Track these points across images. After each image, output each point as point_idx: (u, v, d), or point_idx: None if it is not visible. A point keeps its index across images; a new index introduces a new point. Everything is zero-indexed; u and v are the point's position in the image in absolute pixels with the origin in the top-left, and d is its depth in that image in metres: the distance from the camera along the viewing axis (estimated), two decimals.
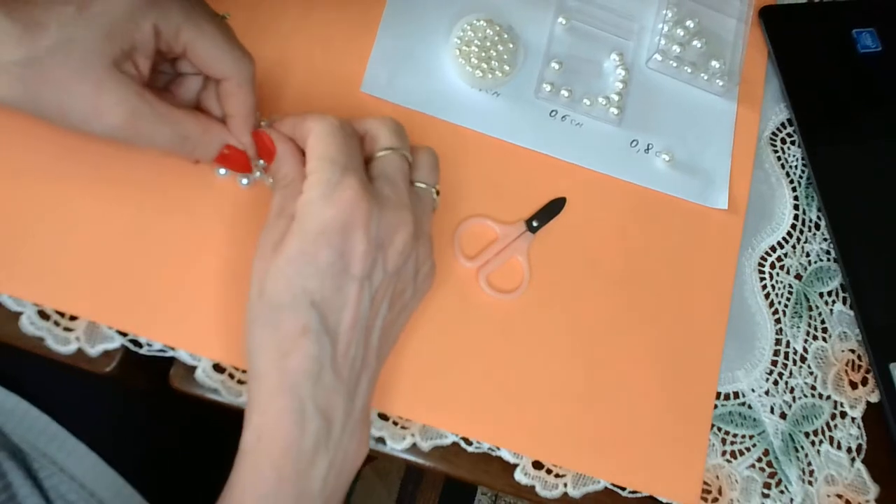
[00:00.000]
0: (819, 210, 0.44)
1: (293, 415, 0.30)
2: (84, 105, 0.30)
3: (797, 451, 0.40)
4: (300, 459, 0.30)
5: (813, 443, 0.40)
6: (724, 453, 0.40)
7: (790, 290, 0.43)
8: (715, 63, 0.43)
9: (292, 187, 0.33)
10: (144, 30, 0.31)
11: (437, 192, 0.36)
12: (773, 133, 0.45)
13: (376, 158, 0.34)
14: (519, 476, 0.38)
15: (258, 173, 0.37)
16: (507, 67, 0.41)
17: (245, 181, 0.37)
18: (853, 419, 0.41)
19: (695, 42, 0.44)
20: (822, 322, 0.42)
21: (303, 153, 0.34)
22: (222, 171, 0.37)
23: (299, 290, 0.30)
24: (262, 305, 0.31)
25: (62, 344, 0.35)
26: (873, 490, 0.40)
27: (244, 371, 0.36)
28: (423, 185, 0.35)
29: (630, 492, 0.38)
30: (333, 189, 0.31)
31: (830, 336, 0.42)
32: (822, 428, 0.41)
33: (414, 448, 0.37)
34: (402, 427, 0.37)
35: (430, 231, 0.35)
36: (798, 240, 0.44)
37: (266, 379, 0.31)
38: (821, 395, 0.41)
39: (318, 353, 0.30)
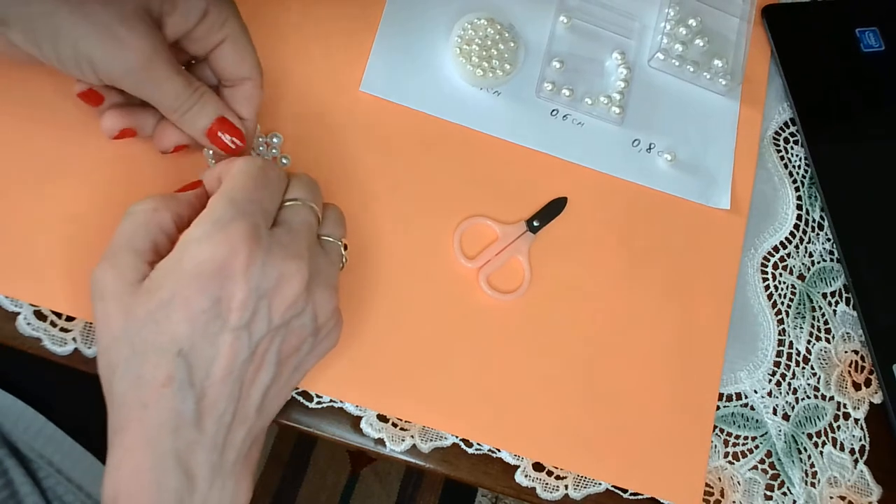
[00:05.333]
0: (822, 210, 0.44)
1: (149, 472, 0.28)
2: (103, 35, 0.29)
3: (800, 452, 0.40)
4: None
5: (816, 444, 0.40)
6: (726, 455, 0.39)
7: (793, 290, 0.42)
8: (717, 62, 0.43)
9: (163, 222, 0.31)
10: (197, 3, 0.31)
11: (346, 247, 0.34)
12: (776, 132, 0.45)
13: (283, 207, 0.32)
14: (519, 478, 0.37)
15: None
16: (507, 66, 0.41)
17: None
18: (856, 420, 0.41)
19: (697, 41, 0.43)
20: (826, 323, 0.42)
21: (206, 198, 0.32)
22: (210, 151, 0.36)
23: (167, 338, 0.28)
24: (121, 351, 0.28)
25: (59, 345, 0.35)
26: (876, 492, 0.40)
27: None
28: (329, 239, 0.33)
29: (631, 493, 0.38)
30: (220, 229, 0.28)
31: (833, 337, 0.42)
32: (825, 429, 0.41)
33: (413, 450, 0.37)
34: (402, 429, 0.37)
35: (336, 285, 0.32)
36: (801, 240, 0.43)
37: (123, 432, 0.28)
38: (824, 397, 0.41)
39: (181, 406, 0.28)
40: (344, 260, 0.34)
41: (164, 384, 0.28)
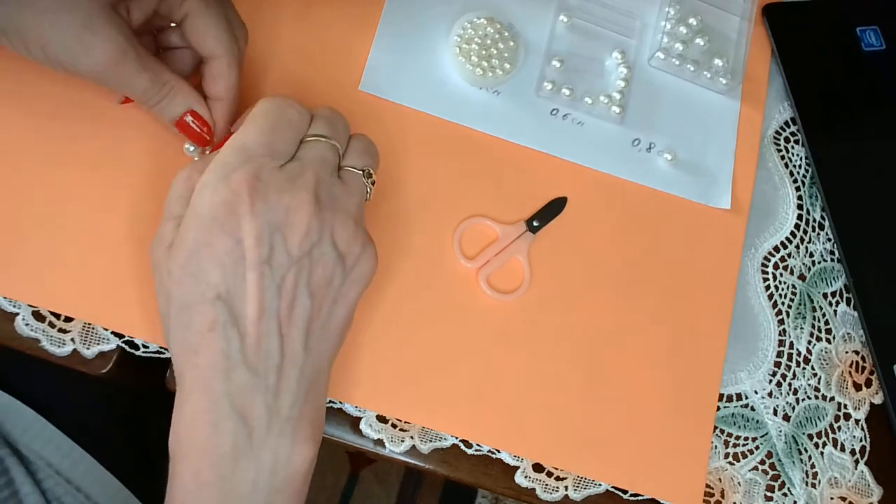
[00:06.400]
0: (823, 210, 0.44)
1: (206, 415, 0.29)
2: (70, 40, 0.30)
3: (800, 453, 0.40)
4: (219, 462, 0.29)
5: (816, 445, 0.40)
6: (726, 455, 0.39)
7: (793, 290, 0.42)
8: (718, 61, 0.43)
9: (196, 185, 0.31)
10: None
11: (371, 179, 0.34)
12: (777, 132, 0.45)
13: (302, 143, 0.33)
14: (519, 479, 0.37)
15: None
16: (507, 66, 0.41)
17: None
18: (857, 421, 0.41)
19: (697, 40, 0.43)
20: (826, 323, 0.42)
21: None
22: (190, 147, 0.36)
23: (203, 285, 0.29)
24: (172, 309, 0.30)
25: (57, 345, 0.35)
26: (877, 492, 0.40)
27: None
28: (351, 170, 0.33)
29: (631, 495, 0.38)
30: (226, 175, 0.29)
31: (834, 337, 0.42)
32: (826, 430, 0.40)
33: (413, 451, 0.37)
34: (401, 429, 0.37)
35: (355, 213, 0.32)
36: (801, 240, 0.43)
37: (181, 380, 0.30)
38: (824, 397, 0.41)
39: (227, 347, 0.29)
40: (368, 190, 0.34)
41: (209, 328, 0.29)
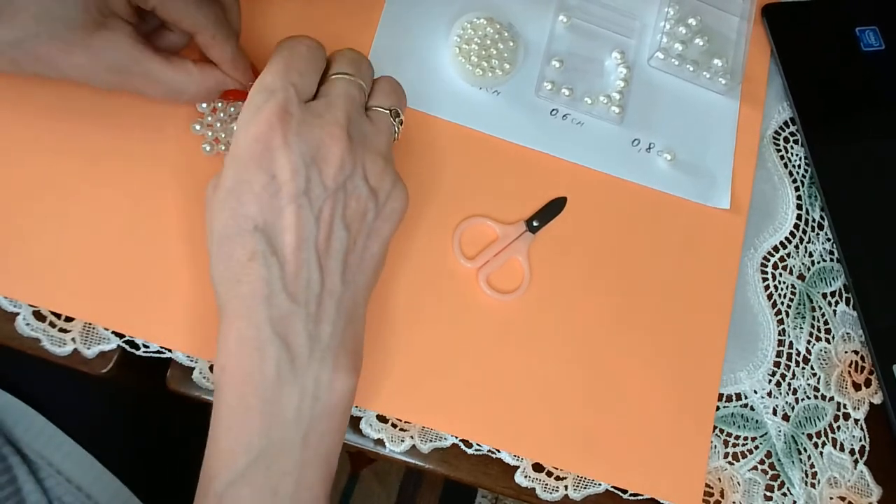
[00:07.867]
0: (822, 210, 0.44)
1: (251, 341, 0.30)
2: (80, 71, 0.32)
3: (800, 453, 0.40)
4: (264, 387, 0.29)
5: (816, 445, 0.40)
6: (726, 455, 0.39)
7: (793, 290, 0.42)
8: (717, 61, 0.43)
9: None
10: None
11: (399, 119, 0.35)
12: (776, 132, 0.45)
13: (325, 81, 0.34)
14: (519, 478, 0.37)
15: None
16: (507, 66, 0.41)
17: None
18: (856, 421, 0.41)
19: (697, 40, 0.43)
20: (825, 323, 0.42)
21: None
22: (196, 126, 0.37)
23: (242, 219, 0.30)
24: (214, 243, 0.31)
25: (58, 345, 0.35)
26: (876, 492, 0.40)
27: None
28: (379, 110, 0.34)
29: (631, 494, 0.38)
30: (256, 113, 0.31)
31: (833, 337, 0.42)
32: (825, 430, 0.41)
33: (413, 450, 0.37)
34: (401, 429, 0.37)
35: (384, 151, 0.33)
36: (801, 240, 0.43)
37: (224, 309, 0.31)
38: (824, 397, 0.41)
39: (268, 275, 0.30)
40: (396, 130, 0.35)
41: (250, 258, 0.30)
